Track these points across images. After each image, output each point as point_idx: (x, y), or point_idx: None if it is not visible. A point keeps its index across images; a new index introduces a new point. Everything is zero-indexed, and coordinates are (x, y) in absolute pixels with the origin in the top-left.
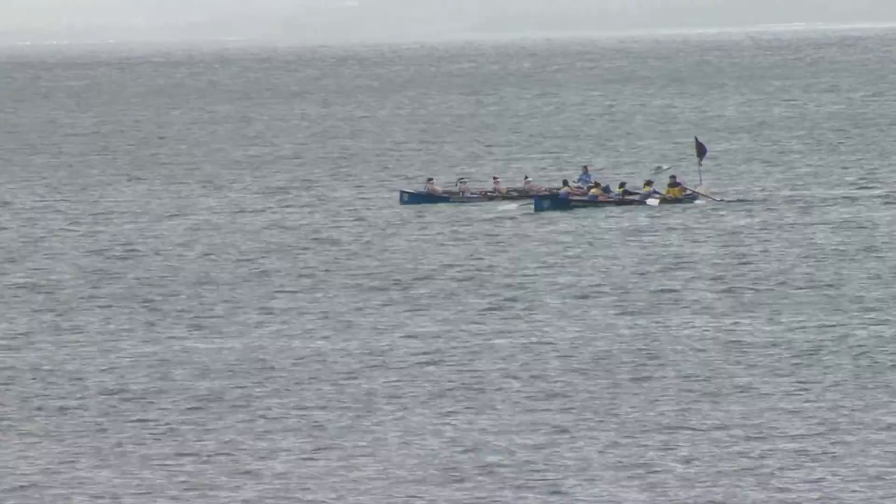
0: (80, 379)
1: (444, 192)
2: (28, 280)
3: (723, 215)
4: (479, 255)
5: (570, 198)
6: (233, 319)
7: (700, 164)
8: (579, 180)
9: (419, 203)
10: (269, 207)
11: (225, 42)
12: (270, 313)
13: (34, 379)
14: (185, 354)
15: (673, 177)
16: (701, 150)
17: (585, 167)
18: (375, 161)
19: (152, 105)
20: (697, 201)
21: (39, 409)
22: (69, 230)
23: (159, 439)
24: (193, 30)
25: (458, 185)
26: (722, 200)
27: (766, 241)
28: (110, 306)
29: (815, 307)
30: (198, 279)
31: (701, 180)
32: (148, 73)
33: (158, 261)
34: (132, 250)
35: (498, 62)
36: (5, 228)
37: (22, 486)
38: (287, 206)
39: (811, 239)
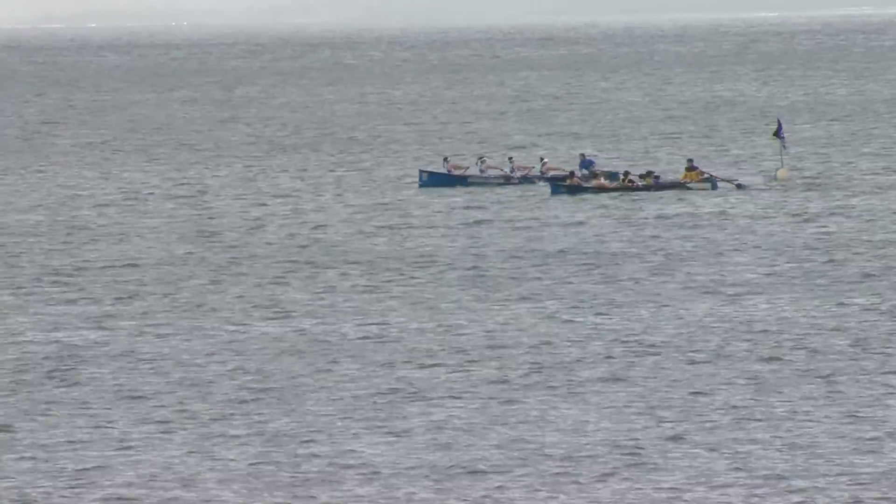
0: (140, 362)
1: (462, 171)
2: (98, 262)
3: (763, 200)
4: (515, 241)
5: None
6: (289, 303)
7: (783, 146)
8: (581, 167)
9: (439, 184)
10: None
11: (306, 25)
12: (325, 298)
13: (90, 361)
14: (221, 341)
15: (690, 160)
16: (779, 132)
17: (583, 154)
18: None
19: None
20: (719, 185)
21: (98, 390)
22: (144, 211)
23: (219, 421)
24: (273, 12)
25: (479, 164)
26: (740, 186)
27: (798, 226)
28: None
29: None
30: (259, 259)
31: (782, 162)
32: (224, 56)
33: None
34: (201, 233)
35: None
36: (51, 208)
37: (82, 468)
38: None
39: (852, 224)
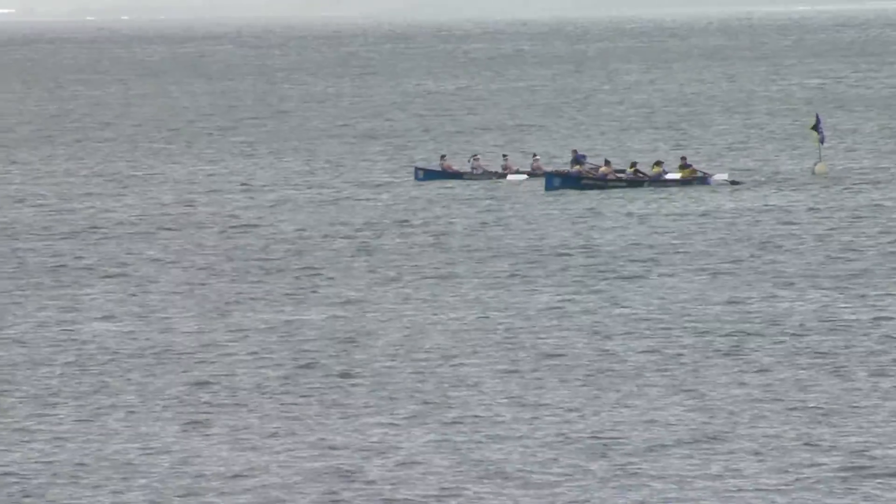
0: (169, 354)
1: (455, 169)
2: (126, 256)
3: (765, 196)
4: (530, 234)
5: (582, 175)
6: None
7: (821, 140)
8: (574, 162)
9: (434, 180)
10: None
11: (331, 18)
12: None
13: (119, 353)
14: (233, 332)
15: (683, 158)
16: (818, 126)
17: (574, 150)
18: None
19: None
20: (713, 179)
21: (126, 386)
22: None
23: (247, 415)
24: (305, 5)
25: (471, 162)
26: (735, 182)
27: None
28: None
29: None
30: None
31: (820, 157)
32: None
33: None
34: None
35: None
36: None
37: (110, 458)
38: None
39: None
